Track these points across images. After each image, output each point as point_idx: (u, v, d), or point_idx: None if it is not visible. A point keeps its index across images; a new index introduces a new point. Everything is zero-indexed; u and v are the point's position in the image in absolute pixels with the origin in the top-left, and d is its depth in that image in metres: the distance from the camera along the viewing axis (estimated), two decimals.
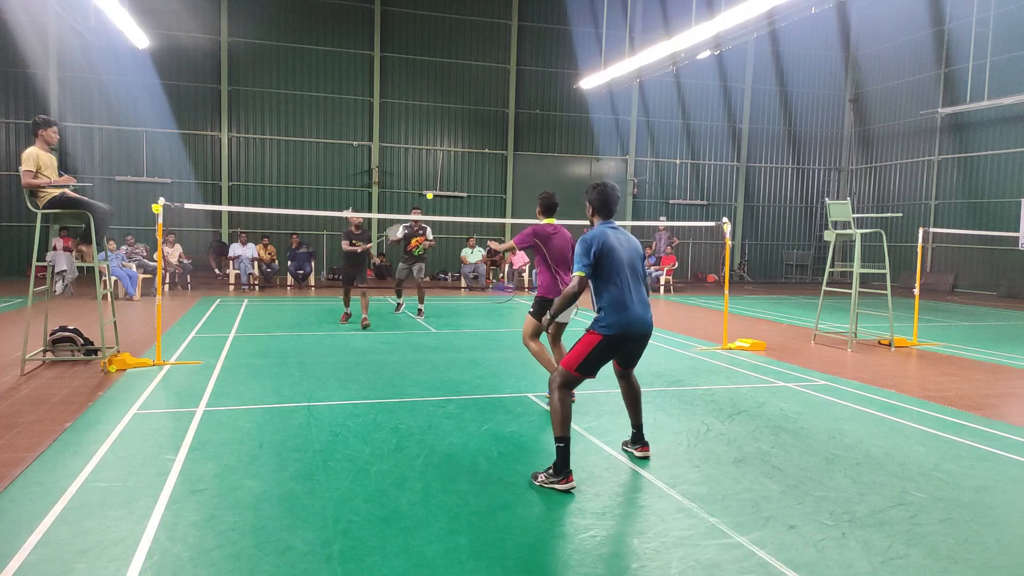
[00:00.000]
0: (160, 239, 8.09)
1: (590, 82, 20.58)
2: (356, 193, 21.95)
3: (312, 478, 4.31)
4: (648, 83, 23.51)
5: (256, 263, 17.80)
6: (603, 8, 21.77)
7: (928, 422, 6.02)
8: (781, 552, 3.45)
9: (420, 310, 12.54)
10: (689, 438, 5.38)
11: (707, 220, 23.91)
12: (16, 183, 18.10)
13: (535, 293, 6.24)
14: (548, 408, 5.47)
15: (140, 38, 16.24)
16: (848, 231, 10.09)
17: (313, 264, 18.75)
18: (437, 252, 22.13)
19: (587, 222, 4.78)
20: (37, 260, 7.69)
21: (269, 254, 18.29)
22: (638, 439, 4.88)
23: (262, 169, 21.31)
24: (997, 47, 19.70)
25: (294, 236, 18.87)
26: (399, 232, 12.28)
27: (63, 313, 11.13)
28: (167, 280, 16.42)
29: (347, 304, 11.50)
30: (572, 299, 4.43)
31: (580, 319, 7.21)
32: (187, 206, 8.84)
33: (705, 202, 25.19)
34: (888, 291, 10.23)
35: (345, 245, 10.97)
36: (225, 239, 20.43)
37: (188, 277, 17.21)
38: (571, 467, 4.25)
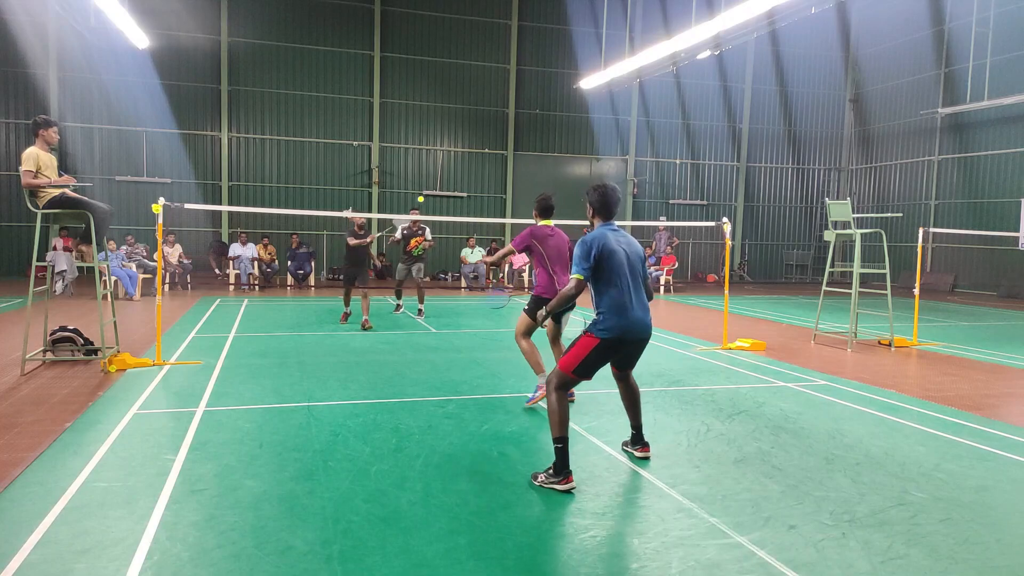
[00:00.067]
0: (160, 239, 8.09)
1: (590, 82, 20.58)
2: (356, 193, 21.95)
3: (312, 478, 4.31)
4: (648, 83, 23.52)
5: (256, 263, 17.80)
6: (603, 8, 21.76)
7: (928, 422, 6.02)
8: (781, 552, 3.45)
9: (420, 310, 12.54)
10: (689, 438, 5.38)
11: (707, 220, 23.91)
12: (16, 183, 18.10)
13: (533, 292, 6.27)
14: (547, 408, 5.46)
15: (140, 38, 16.24)
16: (848, 231, 10.09)
17: (313, 264, 18.75)
18: (437, 252, 22.14)
19: (587, 222, 4.77)
20: (37, 260, 7.69)
21: (269, 254, 18.29)
22: (638, 440, 4.88)
23: (262, 169, 21.32)
24: (997, 47, 19.70)
25: (294, 236, 18.87)
26: (398, 232, 12.30)
27: (63, 313, 11.13)
28: (167, 280, 16.42)
29: (347, 304, 11.51)
30: (568, 300, 4.40)
31: (578, 318, 7.22)
32: (187, 206, 8.85)
33: (705, 202, 25.19)
34: (888, 291, 10.23)
35: (351, 240, 10.95)
36: (225, 239, 20.43)
37: (188, 277, 17.21)
38: (571, 467, 4.25)
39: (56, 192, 7.22)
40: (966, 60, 20.71)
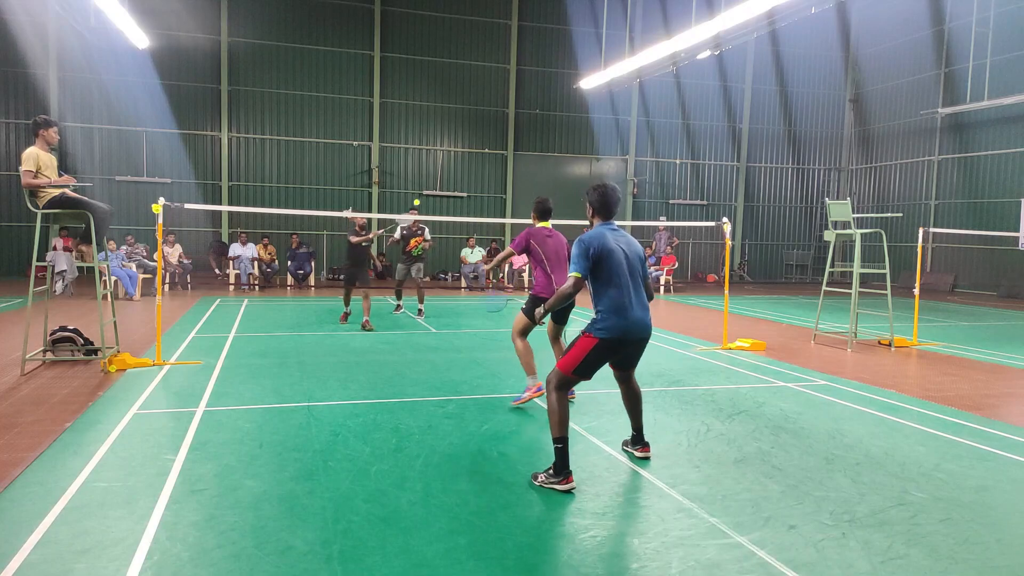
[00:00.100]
0: (160, 239, 8.09)
1: (590, 82, 20.58)
2: (356, 193, 21.95)
3: (312, 478, 4.31)
4: (648, 83, 23.52)
5: (256, 263, 17.80)
6: (603, 8, 21.76)
7: (928, 422, 6.02)
8: (781, 552, 3.45)
9: (420, 310, 12.55)
10: (689, 438, 5.38)
11: (707, 220, 23.91)
12: (16, 183, 18.10)
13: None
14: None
15: (140, 38, 16.24)
16: (848, 231, 10.09)
17: (313, 264, 18.76)
18: (437, 252, 22.15)
19: (587, 222, 4.76)
20: (37, 260, 7.69)
21: (269, 254, 18.29)
22: (638, 440, 4.87)
23: (262, 169, 21.32)
24: (997, 47, 19.70)
25: (294, 236, 18.87)
26: (397, 232, 12.31)
27: (63, 313, 11.13)
28: (167, 280, 16.42)
29: (347, 304, 11.50)
30: (566, 298, 4.37)
31: (577, 317, 7.22)
32: (187, 206, 8.85)
33: (705, 202, 25.19)
34: (888, 291, 10.23)
35: (353, 238, 10.94)
36: (225, 239, 20.43)
37: (188, 277, 17.21)
38: (571, 467, 4.24)
39: (56, 192, 7.22)
40: (966, 60, 20.71)
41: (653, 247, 20.53)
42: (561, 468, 4.20)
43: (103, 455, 4.66)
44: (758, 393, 6.99)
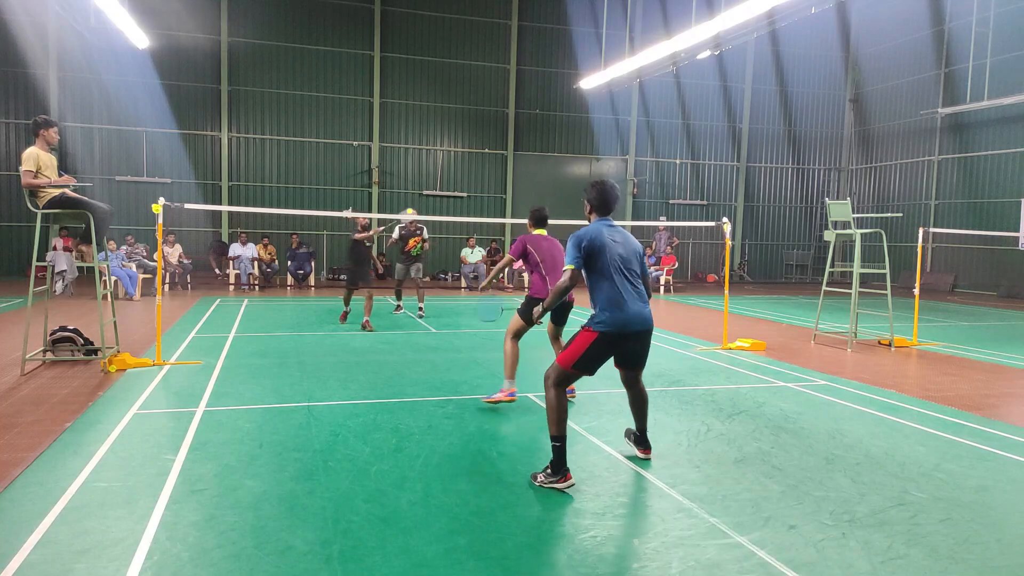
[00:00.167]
0: (160, 239, 8.09)
1: (590, 82, 20.58)
2: (356, 193, 21.95)
3: (312, 478, 4.31)
4: (648, 83, 23.52)
5: (256, 263, 17.80)
6: (603, 8, 21.76)
7: (928, 422, 6.02)
8: (781, 552, 3.45)
9: (420, 308, 12.57)
10: (689, 438, 5.38)
11: (707, 220, 23.91)
12: (16, 183, 18.10)
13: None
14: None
15: (140, 38, 16.24)
16: (848, 231, 10.09)
17: (313, 264, 18.76)
18: (437, 252, 22.15)
19: (587, 222, 4.75)
20: (37, 260, 7.69)
21: (269, 254, 18.29)
22: (641, 441, 4.85)
23: (262, 169, 21.32)
24: (997, 47, 19.70)
25: (294, 236, 18.88)
26: (395, 232, 12.33)
27: (63, 313, 11.13)
28: (167, 280, 16.42)
29: (347, 303, 11.45)
30: (563, 292, 4.37)
31: (577, 317, 7.23)
32: (187, 206, 8.85)
33: (705, 202, 25.19)
34: (888, 291, 10.23)
35: (357, 235, 10.92)
36: (225, 239, 20.43)
37: (188, 277, 17.21)
38: (569, 466, 4.24)
39: (56, 192, 7.22)
40: (966, 60, 20.71)
41: (653, 247, 20.53)
42: (559, 467, 4.18)
43: (103, 455, 4.66)
44: (758, 393, 6.99)
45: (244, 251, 17.60)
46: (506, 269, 6.94)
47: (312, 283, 18.50)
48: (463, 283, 19.77)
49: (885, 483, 4.46)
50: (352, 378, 7.26)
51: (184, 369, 7.53)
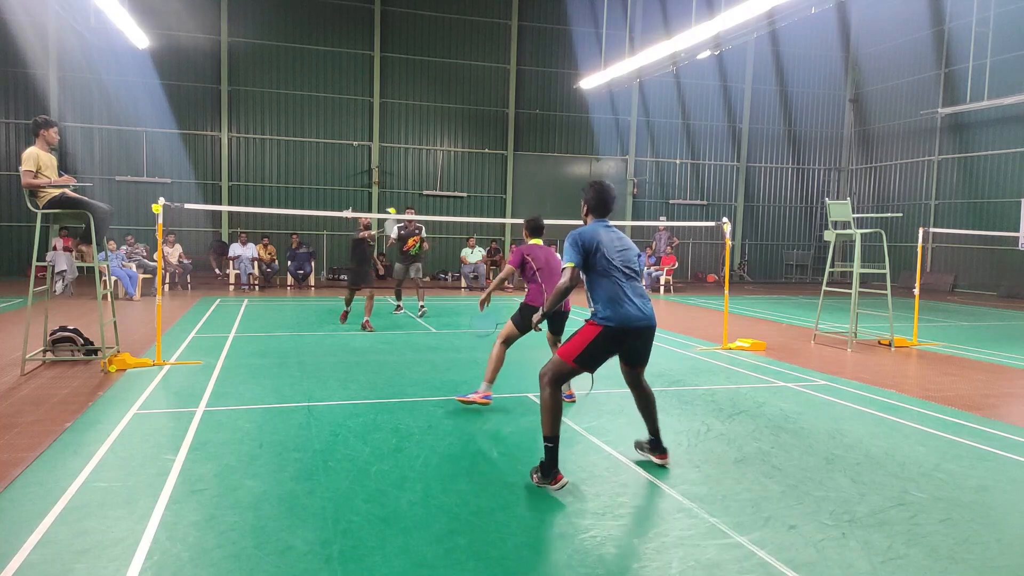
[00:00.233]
0: (160, 239, 8.09)
1: (590, 82, 20.58)
2: (356, 193, 21.95)
3: (312, 478, 4.31)
4: (648, 83, 23.52)
5: (256, 263, 17.80)
6: (603, 8, 21.77)
7: (928, 422, 6.02)
8: (781, 552, 3.45)
9: (421, 307, 12.59)
10: (689, 438, 5.38)
11: (707, 220, 23.91)
12: (16, 183, 18.10)
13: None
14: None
15: (140, 38, 16.24)
16: (848, 231, 10.09)
17: (313, 264, 18.76)
18: (437, 252, 22.16)
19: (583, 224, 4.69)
20: (37, 260, 7.69)
21: (269, 254, 18.29)
22: (656, 446, 4.70)
23: (262, 169, 21.32)
24: (997, 47, 19.70)
25: (294, 236, 18.88)
26: (394, 232, 12.34)
27: (63, 313, 11.13)
28: (167, 280, 16.42)
29: (348, 304, 11.42)
30: (564, 292, 4.26)
31: (573, 324, 7.23)
32: (187, 206, 8.85)
33: (705, 202, 25.19)
34: (888, 291, 10.23)
35: (360, 234, 10.90)
36: (225, 239, 20.43)
37: (188, 277, 17.21)
38: (572, 467, 4.24)
39: (56, 192, 7.22)
40: (966, 60, 20.71)
41: (653, 247, 20.52)
42: (550, 469, 4.11)
43: (103, 455, 4.66)
44: (758, 393, 6.99)
45: (244, 251, 17.60)
46: (498, 269, 6.91)
47: (312, 283, 18.50)
48: (463, 283, 19.77)
49: (885, 483, 4.46)
50: (352, 378, 7.26)
51: (184, 369, 7.53)
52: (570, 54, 23.22)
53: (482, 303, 6.39)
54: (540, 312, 4.57)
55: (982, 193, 21.42)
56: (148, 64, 19.48)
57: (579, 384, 6.55)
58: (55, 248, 15.89)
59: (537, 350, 7.97)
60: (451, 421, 5.69)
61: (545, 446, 4.14)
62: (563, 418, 5.77)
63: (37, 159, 7.07)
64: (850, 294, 10.08)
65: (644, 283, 20.07)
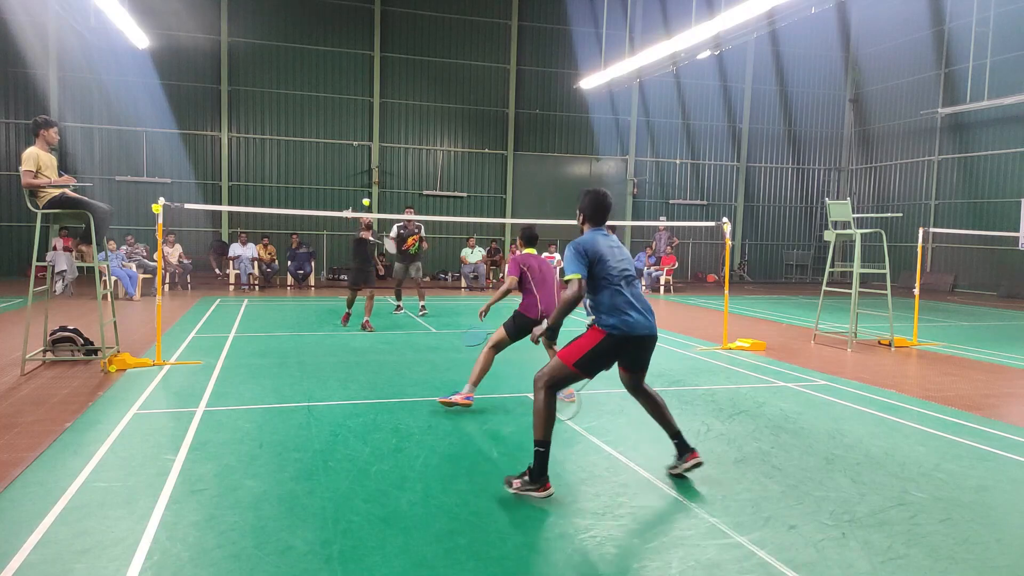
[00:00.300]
0: (160, 239, 8.09)
1: (590, 82, 20.58)
2: (356, 193, 21.94)
3: (312, 478, 4.31)
4: (648, 83, 23.52)
5: (256, 263, 17.80)
6: (603, 8, 21.77)
7: (928, 422, 6.02)
8: (781, 552, 3.45)
9: (422, 306, 12.61)
10: (689, 438, 5.35)
11: (707, 220, 23.91)
12: (16, 183, 18.10)
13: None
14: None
15: (140, 38, 16.25)
16: (848, 231, 10.10)
17: (313, 264, 18.76)
18: (437, 252, 22.16)
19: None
20: (37, 260, 7.69)
21: (269, 254, 18.29)
22: (683, 447, 4.48)
23: (262, 169, 21.32)
24: (997, 47, 19.70)
25: (294, 236, 18.88)
26: (393, 231, 12.38)
27: (63, 313, 11.13)
28: (167, 280, 16.42)
29: (350, 305, 11.38)
30: (571, 304, 4.06)
31: (567, 328, 7.23)
32: (187, 206, 8.85)
33: (705, 202, 25.19)
34: (888, 291, 10.23)
35: (363, 234, 10.90)
36: (225, 239, 20.43)
37: (188, 277, 17.21)
38: (569, 467, 4.23)
39: (56, 192, 7.22)
40: (966, 60, 20.71)
41: (653, 247, 20.51)
42: (539, 474, 4.02)
43: (103, 455, 4.66)
44: (758, 393, 6.99)
45: (244, 251, 17.60)
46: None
47: (312, 283, 18.50)
48: (463, 283, 19.77)
49: (885, 483, 4.46)
50: (352, 378, 7.26)
51: (184, 369, 7.53)
52: (570, 54, 23.22)
53: (482, 314, 6.39)
54: (545, 326, 4.40)
55: (982, 193, 21.42)
56: (148, 64, 19.48)
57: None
58: (55, 248, 15.89)
59: (537, 350, 7.98)
60: (451, 421, 5.69)
61: (536, 451, 4.04)
62: (563, 418, 5.78)
63: (37, 159, 7.07)
64: (850, 294, 10.08)
65: (644, 283, 19.90)
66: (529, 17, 22.97)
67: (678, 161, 24.90)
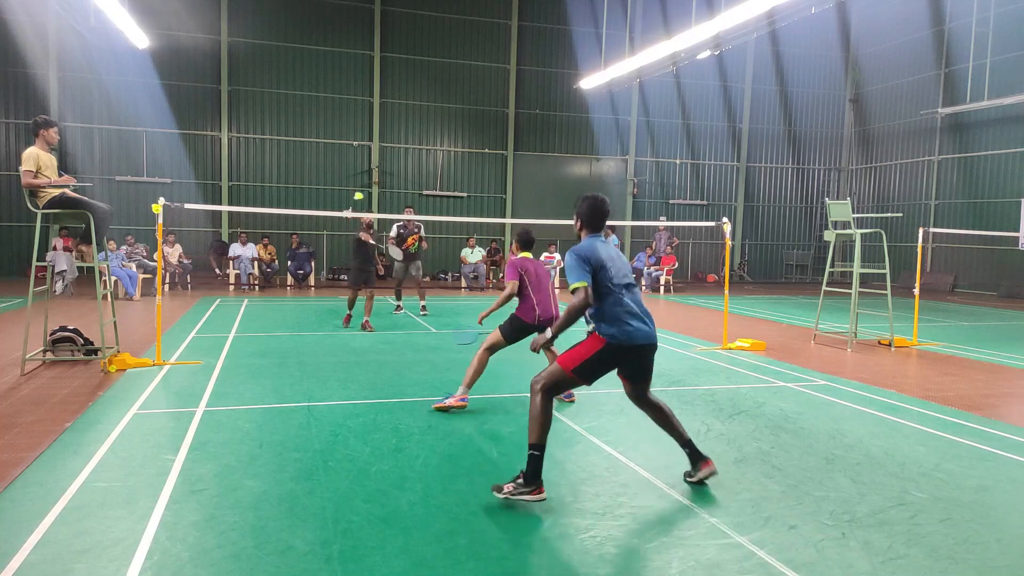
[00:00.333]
0: (160, 239, 8.09)
1: (590, 82, 20.58)
2: (356, 193, 21.95)
3: (312, 478, 4.31)
4: (648, 83, 23.52)
5: (256, 263, 17.80)
6: (603, 8, 21.77)
7: (928, 422, 6.02)
8: (781, 552, 3.45)
9: (423, 306, 12.62)
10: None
11: (707, 220, 23.92)
12: (16, 183, 18.10)
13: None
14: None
15: (140, 38, 16.25)
16: (848, 231, 10.09)
17: (313, 264, 18.76)
18: (437, 252, 22.16)
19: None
20: (37, 260, 7.69)
21: (269, 254, 18.29)
22: (696, 456, 4.35)
23: (262, 169, 21.32)
24: (997, 47, 19.70)
25: (294, 236, 18.88)
26: (392, 231, 12.40)
27: (63, 313, 11.13)
28: (167, 280, 16.42)
29: (351, 307, 11.33)
30: (578, 313, 3.98)
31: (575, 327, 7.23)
32: (187, 206, 8.85)
33: (705, 202, 25.19)
34: (888, 291, 10.23)
35: (363, 236, 10.89)
36: (225, 239, 20.43)
37: (188, 277, 17.21)
38: (569, 467, 4.22)
39: (56, 192, 7.22)
40: (966, 60, 20.71)
41: (653, 247, 20.51)
42: (533, 478, 3.97)
43: (103, 455, 4.66)
44: (758, 393, 6.99)
45: (244, 251, 17.60)
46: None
47: (312, 283, 18.50)
48: (463, 283, 19.78)
49: (885, 483, 4.46)
50: (352, 378, 7.26)
51: (184, 369, 7.53)
52: (570, 54, 23.22)
53: (482, 319, 6.39)
54: (548, 336, 4.24)
55: (982, 193, 21.42)
56: (148, 64, 19.49)
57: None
58: (55, 248, 15.89)
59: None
60: (451, 421, 5.69)
61: (530, 454, 3.99)
62: (563, 418, 5.79)
63: (37, 159, 7.07)
64: (850, 294, 10.08)
65: (644, 283, 19.78)
66: (529, 17, 22.97)
67: (678, 161, 24.90)
